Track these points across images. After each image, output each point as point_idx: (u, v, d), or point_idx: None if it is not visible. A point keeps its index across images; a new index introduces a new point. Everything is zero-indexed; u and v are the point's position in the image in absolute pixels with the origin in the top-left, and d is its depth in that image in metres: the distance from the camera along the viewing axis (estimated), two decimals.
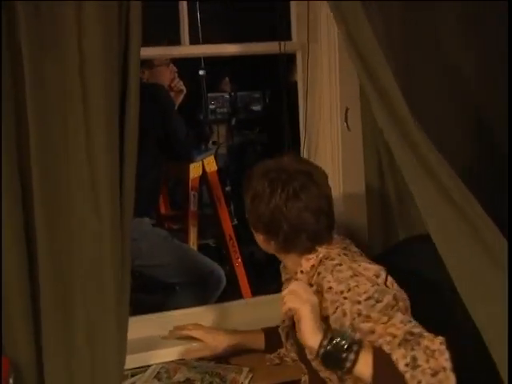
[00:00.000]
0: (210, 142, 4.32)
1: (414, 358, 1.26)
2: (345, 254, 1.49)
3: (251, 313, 2.04)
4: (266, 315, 1.90)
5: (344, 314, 1.37)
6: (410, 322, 1.36)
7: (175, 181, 3.51)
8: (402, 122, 1.55)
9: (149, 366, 1.82)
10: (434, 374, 1.26)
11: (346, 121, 1.93)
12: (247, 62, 4.61)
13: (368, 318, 1.36)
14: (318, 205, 1.49)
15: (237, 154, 5.09)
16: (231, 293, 3.01)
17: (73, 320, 1.59)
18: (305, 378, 1.67)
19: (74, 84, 1.51)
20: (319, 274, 1.47)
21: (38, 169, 1.52)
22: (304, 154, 2.01)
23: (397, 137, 1.55)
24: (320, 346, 1.30)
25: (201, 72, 4.19)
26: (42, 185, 1.53)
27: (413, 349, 1.28)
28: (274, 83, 5.10)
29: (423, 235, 1.64)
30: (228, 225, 3.21)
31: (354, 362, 1.28)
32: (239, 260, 3.25)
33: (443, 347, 1.29)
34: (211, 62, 4.24)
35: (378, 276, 1.42)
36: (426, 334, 1.32)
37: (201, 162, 3.08)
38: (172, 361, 1.84)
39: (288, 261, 1.59)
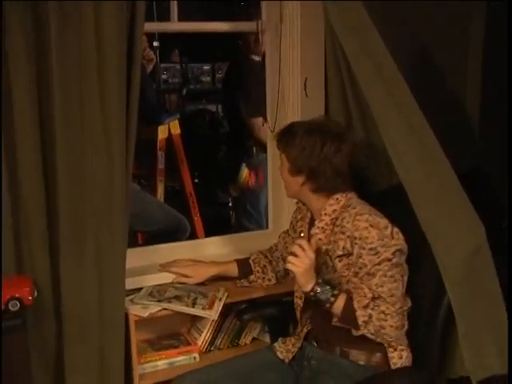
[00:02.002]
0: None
1: (370, 316, 1.81)
2: (362, 203, 1.90)
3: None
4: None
5: (353, 254, 1.85)
6: (382, 286, 1.80)
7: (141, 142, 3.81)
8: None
9: (140, 289, 2.20)
10: (379, 329, 1.81)
11: (305, 89, 2.34)
12: (199, 36, 4.90)
13: (360, 269, 1.83)
14: (350, 154, 1.93)
15: (187, 122, 5.42)
16: None
17: (84, 243, 1.94)
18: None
19: (91, 52, 1.83)
20: (343, 218, 1.88)
21: (61, 122, 1.85)
22: (269, 118, 2.41)
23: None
24: (309, 293, 1.86)
25: (155, 43, 4.46)
26: (63, 135, 1.86)
27: (373, 309, 1.80)
28: (225, 57, 5.39)
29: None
30: (189, 183, 3.57)
31: (329, 307, 1.86)
32: (198, 215, 3.62)
33: (394, 313, 1.80)
34: (164, 34, 4.52)
35: (386, 227, 1.82)
36: (388, 299, 1.80)
37: (167, 125, 3.42)
38: (159, 284, 2.23)
39: (315, 201, 1.97)
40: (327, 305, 1.85)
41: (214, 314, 2.09)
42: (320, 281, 1.87)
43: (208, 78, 5.57)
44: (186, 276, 2.21)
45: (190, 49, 5.54)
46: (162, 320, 2.18)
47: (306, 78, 2.34)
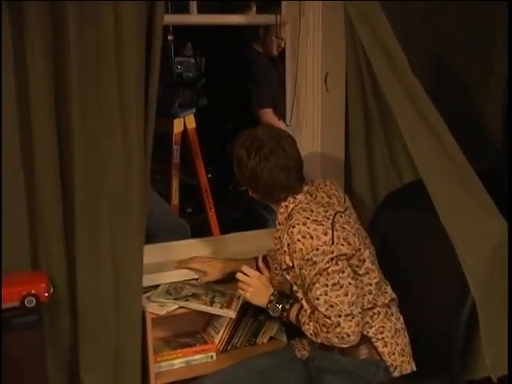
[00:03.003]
0: (177, 104, 4.61)
1: (316, 327, 1.81)
2: (303, 210, 1.81)
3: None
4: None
5: (294, 266, 1.82)
6: (318, 299, 1.77)
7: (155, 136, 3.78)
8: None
9: (157, 286, 2.17)
10: (328, 340, 1.80)
11: (326, 83, 2.29)
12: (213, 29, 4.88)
13: (304, 279, 1.80)
14: (285, 163, 1.83)
15: (201, 116, 5.38)
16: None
17: (100, 238, 1.91)
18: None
19: (110, 43, 1.80)
20: (282, 231, 1.85)
21: (78, 115, 1.82)
22: (288, 114, 2.36)
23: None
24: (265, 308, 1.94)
25: (169, 37, 4.41)
26: (80, 128, 1.83)
27: (316, 321, 1.80)
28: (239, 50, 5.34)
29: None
30: (204, 178, 3.54)
31: (286, 320, 1.94)
32: (213, 210, 3.58)
33: (335, 325, 1.76)
34: (177, 27, 4.47)
35: (325, 233, 1.77)
36: (325, 312, 1.76)
37: (183, 119, 3.39)
38: (176, 281, 2.19)
39: (273, 208, 1.96)
40: (283, 319, 1.94)
41: (232, 312, 2.05)
42: (272, 298, 1.92)
43: None
44: (203, 272, 2.18)
45: (203, 42, 5.48)
46: (179, 318, 2.15)
47: (327, 73, 2.29)
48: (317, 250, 1.76)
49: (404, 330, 1.92)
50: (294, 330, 2.13)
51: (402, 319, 1.93)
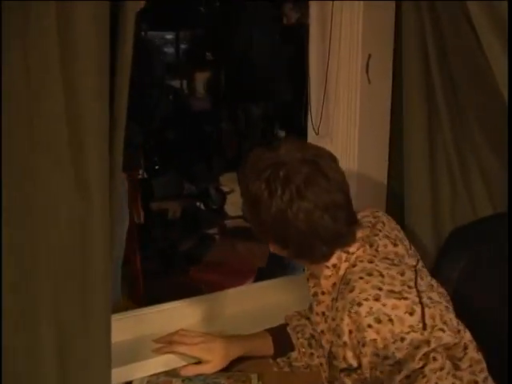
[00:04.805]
0: None
1: None
2: (368, 274, 1.19)
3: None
4: None
5: (362, 366, 1.17)
6: None
7: None
8: None
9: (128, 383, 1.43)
10: None
11: (367, 71, 1.59)
12: None
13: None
14: (330, 200, 1.20)
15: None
16: None
17: (39, 342, 1.15)
18: None
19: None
20: (337, 309, 1.20)
21: None
22: (311, 112, 1.65)
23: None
24: None
25: None
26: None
27: None
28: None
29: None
30: None
31: None
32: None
33: None
34: None
35: (411, 313, 1.14)
36: None
37: None
38: (157, 373, 1.46)
39: (309, 267, 1.37)
40: None
41: None
42: None
43: (171, 49, 4.75)
44: (200, 360, 1.45)
45: (148, 14, 4.73)
46: None
47: (370, 56, 1.58)
48: (401, 340, 1.11)
49: None
50: None
51: None
